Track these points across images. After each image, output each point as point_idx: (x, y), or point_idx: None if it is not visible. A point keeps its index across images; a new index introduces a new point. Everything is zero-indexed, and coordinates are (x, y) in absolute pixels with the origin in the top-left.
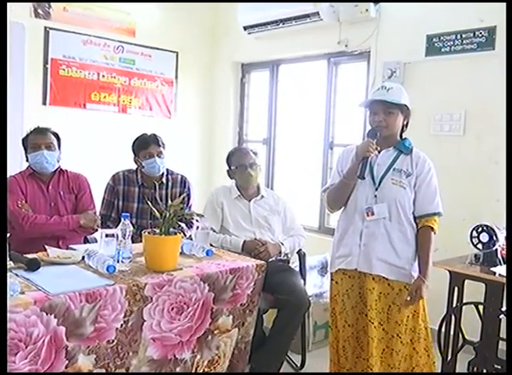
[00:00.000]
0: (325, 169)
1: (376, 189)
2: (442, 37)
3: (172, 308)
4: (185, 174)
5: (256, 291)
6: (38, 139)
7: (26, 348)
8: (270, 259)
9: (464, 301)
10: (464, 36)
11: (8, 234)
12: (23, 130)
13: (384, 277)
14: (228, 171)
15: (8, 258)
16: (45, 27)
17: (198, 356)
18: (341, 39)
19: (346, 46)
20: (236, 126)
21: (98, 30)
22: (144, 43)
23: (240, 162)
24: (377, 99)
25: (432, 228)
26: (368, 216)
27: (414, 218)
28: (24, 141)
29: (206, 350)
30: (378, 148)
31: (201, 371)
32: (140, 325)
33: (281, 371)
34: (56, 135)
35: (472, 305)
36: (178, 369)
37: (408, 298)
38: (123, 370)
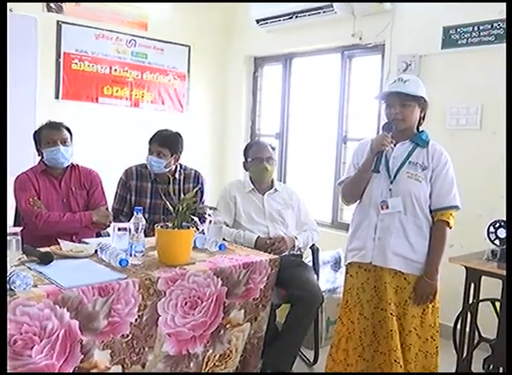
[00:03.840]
0: (339, 163)
1: (391, 182)
2: (459, 29)
3: (186, 303)
4: (197, 168)
5: (269, 286)
6: (54, 134)
7: (41, 341)
8: (283, 254)
9: (481, 297)
10: (481, 28)
11: (21, 228)
12: (36, 124)
13: (400, 271)
14: (244, 163)
15: (21, 252)
16: (58, 21)
17: (210, 351)
18: (355, 32)
19: (360, 39)
20: (249, 120)
21: (110, 23)
22: (156, 37)
23: (256, 154)
24: (393, 91)
25: (448, 223)
26: (382, 209)
27: (431, 212)
28: (36, 135)
29: (218, 344)
30: (394, 142)
31: (212, 365)
32: (156, 320)
33: (294, 366)
34: (69, 130)
35: (489, 302)
36: (191, 365)
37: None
38: (139, 366)
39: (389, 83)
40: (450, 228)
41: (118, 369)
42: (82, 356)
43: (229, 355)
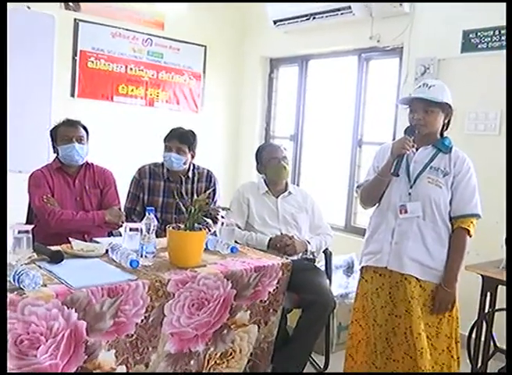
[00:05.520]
0: (353, 167)
1: (411, 187)
2: (479, 33)
3: (193, 305)
4: (211, 169)
5: (280, 290)
6: (70, 132)
7: (47, 341)
8: (295, 258)
9: (497, 307)
10: (502, 32)
11: (32, 226)
12: (51, 121)
13: (417, 278)
14: (257, 166)
15: (31, 250)
16: (75, 19)
17: (212, 349)
18: (373, 34)
19: (378, 41)
20: (264, 121)
21: (127, 22)
22: (172, 36)
23: (272, 155)
24: (417, 97)
25: (468, 231)
26: (401, 213)
27: (451, 219)
28: (53, 132)
29: (220, 343)
30: (415, 146)
31: (213, 363)
32: (161, 320)
33: (304, 372)
34: (85, 129)
35: (505, 312)
36: (192, 362)
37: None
38: (143, 366)
39: (414, 88)
40: (470, 236)
41: (122, 369)
42: (86, 357)
43: (231, 354)
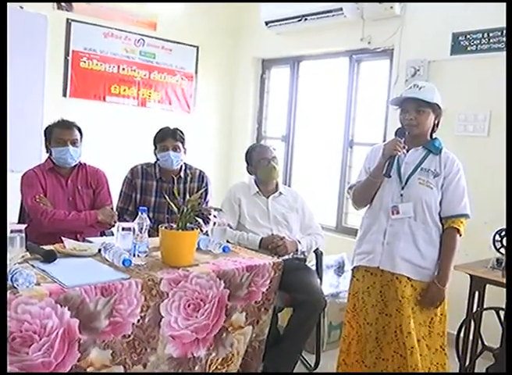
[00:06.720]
0: (344, 167)
1: (402, 188)
2: (468, 36)
3: (189, 305)
4: (203, 169)
5: (272, 290)
6: (65, 135)
7: (41, 340)
8: (286, 257)
9: (485, 306)
10: (491, 35)
11: (25, 225)
12: (43, 121)
13: (408, 278)
14: (248, 167)
15: (24, 249)
16: (67, 19)
17: (213, 354)
18: (364, 36)
19: (369, 43)
20: (255, 122)
21: (120, 22)
22: (164, 37)
23: (262, 156)
24: (408, 97)
25: (458, 230)
26: (393, 214)
27: (441, 219)
28: (47, 131)
29: (221, 348)
30: (406, 147)
31: (214, 368)
32: (158, 321)
33: (295, 371)
34: (80, 130)
35: (492, 311)
36: (196, 368)
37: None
38: (140, 366)
39: (405, 89)
40: (460, 235)
41: (119, 369)
42: (79, 355)
43: (231, 359)
